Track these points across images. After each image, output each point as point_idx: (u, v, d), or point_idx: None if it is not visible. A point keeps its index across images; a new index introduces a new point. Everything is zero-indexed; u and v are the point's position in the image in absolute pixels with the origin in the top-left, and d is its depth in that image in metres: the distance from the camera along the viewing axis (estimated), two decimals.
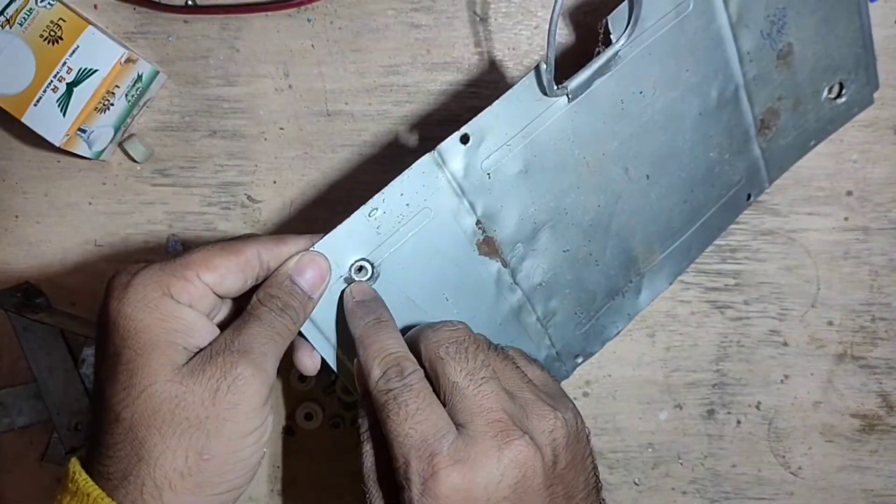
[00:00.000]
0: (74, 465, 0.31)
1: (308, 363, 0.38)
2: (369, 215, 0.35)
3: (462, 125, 0.35)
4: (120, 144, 0.48)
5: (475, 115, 0.35)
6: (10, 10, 0.43)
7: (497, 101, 0.35)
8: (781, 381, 0.50)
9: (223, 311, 0.36)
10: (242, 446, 0.31)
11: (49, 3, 0.43)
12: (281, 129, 0.49)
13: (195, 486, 0.30)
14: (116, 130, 0.46)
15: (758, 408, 0.50)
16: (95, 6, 0.48)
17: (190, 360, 0.32)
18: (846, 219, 0.50)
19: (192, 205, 0.50)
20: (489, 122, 0.36)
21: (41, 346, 0.49)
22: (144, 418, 0.30)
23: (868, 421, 0.50)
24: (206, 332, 0.33)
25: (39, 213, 0.50)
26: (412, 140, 0.49)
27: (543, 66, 0.35)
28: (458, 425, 0.32)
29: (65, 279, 0.50)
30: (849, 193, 0.50)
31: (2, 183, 0.50)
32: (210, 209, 0.50)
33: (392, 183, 0.35)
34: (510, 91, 0.36)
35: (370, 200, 0.35)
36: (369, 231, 0.35)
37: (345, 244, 0.35)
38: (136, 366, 0.31)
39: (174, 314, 0.32)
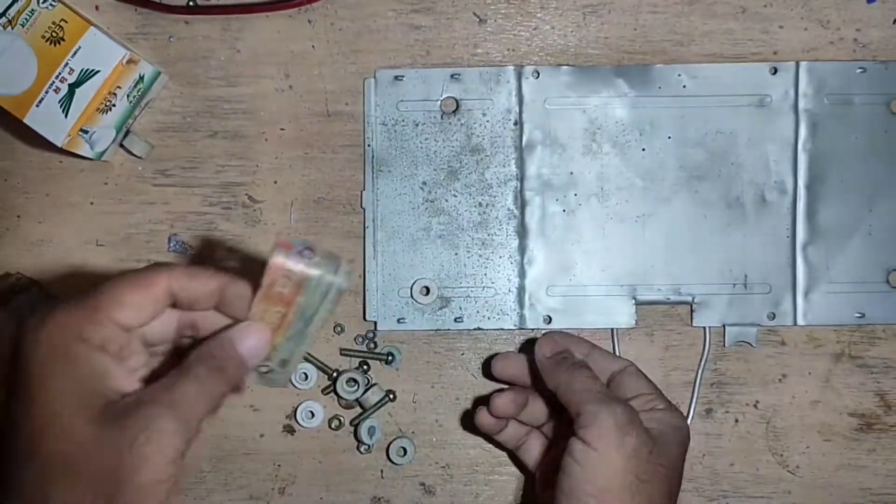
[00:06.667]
0: None
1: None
2: None
3: None
4: (120, 143, 0.48)
5: None
6: (11, 11, 0.43)
7: None
8: (779, 380, 0.50)
9: (164, 319, 0.35)
10: (154, 492, 0.30)
11: (51, 4, 0.44)
12: (282, 129, 0.49)
13: None
14: (118, 131, 0.47)
15: (756, 407, 0.50)
16: (97, 7, 0.48)
17: (113, 404, 0.31)
18: None
19: (194, 205, 0.50)
20: None
21: None
22: (58, 459, 0.30)
23: (866, 420, 0.50)
24: (117, 373, 0.32)
25: (41, 213, 0.50)
26: None
27: None
28: None
29: (67, 279, 0.50)
30: None
31: (4, 183, 0.50)
32: (211, 209, 0.50)
33: None
34: None
35: None
36: None
37: None
38: (52, 409, 0.30)
39: (85, 358, 0.31)
